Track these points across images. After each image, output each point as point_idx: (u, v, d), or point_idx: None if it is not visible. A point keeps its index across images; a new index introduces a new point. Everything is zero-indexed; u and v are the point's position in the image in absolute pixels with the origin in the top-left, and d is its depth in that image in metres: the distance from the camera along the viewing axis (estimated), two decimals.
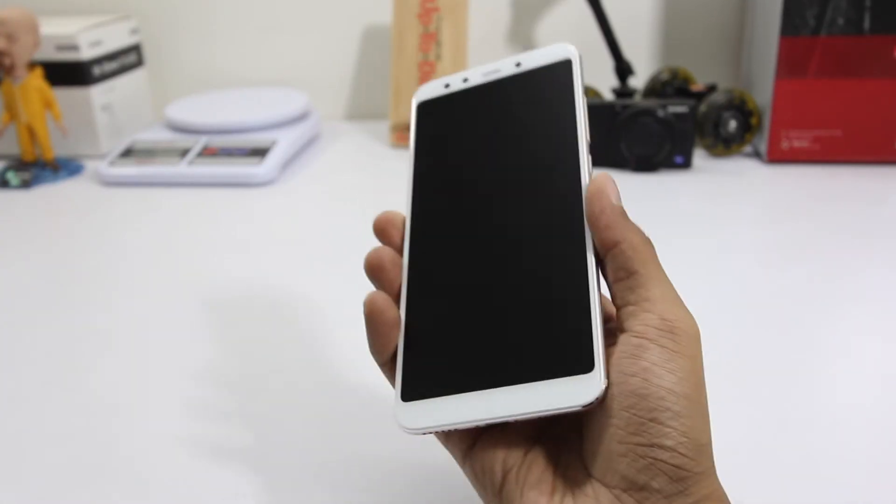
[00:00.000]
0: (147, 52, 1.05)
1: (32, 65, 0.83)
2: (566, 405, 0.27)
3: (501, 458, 0.29)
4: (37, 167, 0.85)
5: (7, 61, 0.81)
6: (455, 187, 0.34)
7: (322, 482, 0.39)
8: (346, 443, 0.41)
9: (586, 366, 0.27)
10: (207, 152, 0.83)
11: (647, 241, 0.30)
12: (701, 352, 0.27)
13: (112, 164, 0.83)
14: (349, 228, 0.69)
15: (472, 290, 0.31)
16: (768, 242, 0.63)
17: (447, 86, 0.37)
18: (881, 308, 0.53)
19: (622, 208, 0.30)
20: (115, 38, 0.94)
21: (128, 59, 0.97)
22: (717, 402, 0.43)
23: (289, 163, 0.86)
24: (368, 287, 0.52)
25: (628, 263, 0.29)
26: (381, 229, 0.34)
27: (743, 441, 0.40)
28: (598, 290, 0.29)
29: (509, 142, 0.34)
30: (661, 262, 0.29)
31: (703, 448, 0.26)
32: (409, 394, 0.30)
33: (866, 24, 0.75)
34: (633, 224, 0.30)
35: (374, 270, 0.33)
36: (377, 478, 0.39)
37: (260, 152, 0.82)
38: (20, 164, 0.86)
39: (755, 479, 0.38)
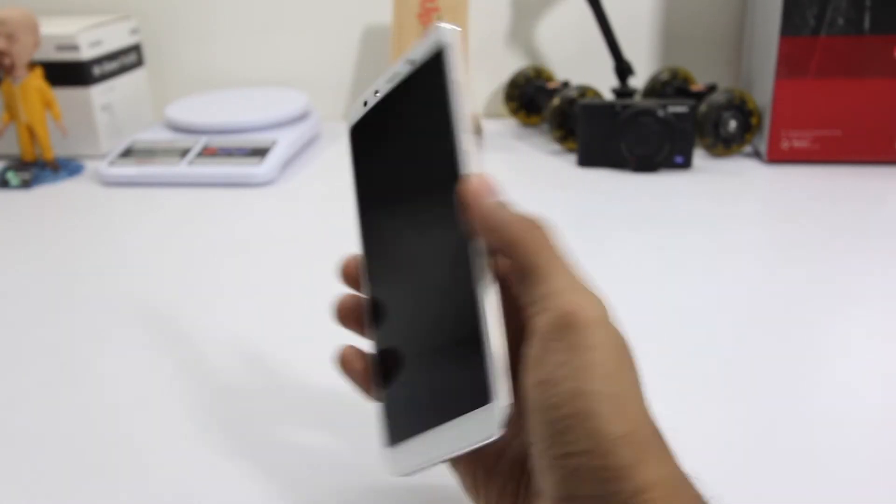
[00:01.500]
0: (147, 52, 1.05)
1: (32, 65, 0.83)
2: (475, 440, 0.27)
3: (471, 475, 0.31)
4: (37, 167, 0.85)
5: (7, 61, 0.81)
6: (380, 220, 0.34)
7: (330, 474, 0.39)
8: (346, 436, 0.41)
9: (482, 398, 0.27)
10: (207, 152, 0.83)
11: (538, 228, 0.28)
12: (608, 336, 0.26)
13: (112, 164, 0.83)
14: (349, 228, 0.69)
15: (399, 332, 0.33)
16: (768, 242, 0.63)
17: (365, 104, 0.34)
18: (881, 308, 0.53)
19: (500, 203, 0.28)
20: (115, 38, 0.94)
21: (128, 59, 0.97)
22: (717, 402, 0.43)
23: (289, 163, 0.86)
24: None
25: (526, 259, 0.27)
26: (348, 276, 0.36)
27: (743, 440, 0.40)
28: (491, 310, 0.28)
29: (402, 160, 0.32)
30: (558, 245, 0.28)
31: (619, 440, 0.24)
32: (389, 440, 0.32)
33: (866, 24, 0.75)
34: (518, 215, 0.28)
35: (345, 321, 0.36)
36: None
37: (260, 152, 0.82)
38: (20, 164, 0.86)
39: (755, 478, 0.38)
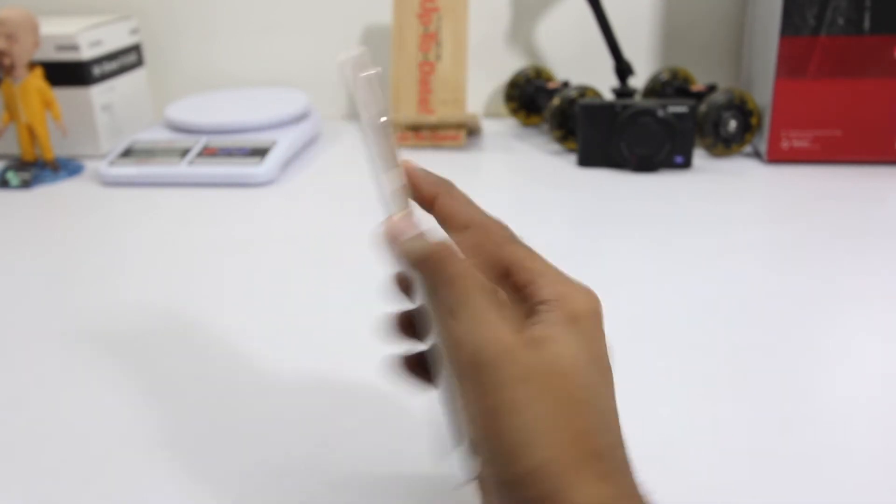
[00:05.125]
0: (147, 52, 1.05)
1: (32, 65, 0.83)
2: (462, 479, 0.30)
3: None
4: (37, 167, 0.85)
5: (7, 61, 0.81)
6: None
7: (321, 478, 0.39)
8: (349, 435, 0.41)
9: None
10: (207, 152, 0.83)
11: (445, 248, 0.29)
12: (528, 366, 0.26)
13: (112, 164, 0.83)
14: (349, 228, 0.69)
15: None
16: (768, 242, 0.63)
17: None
18: (881, 308, 0.53)
19: (417, 236, 0.30)
20: (115, 38, 0.94)
21: (128, 59, 0.97)
22: (717, 403, 0.43)
23: (289, 163, 0.86)
24: (368, 286, 0.52)
25: (436, 289, 0.29)
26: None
27: (743, 441, 0.40)
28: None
29: None
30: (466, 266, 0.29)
31: (535, 472, 0.24)
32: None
33: (866, 24, 0.75)
34: (430, 242, 0.29)
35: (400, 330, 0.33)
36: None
37: (260, 152, 0.82)
38: (20, 164, 0.86)
39: (756, 479, 0.38)
